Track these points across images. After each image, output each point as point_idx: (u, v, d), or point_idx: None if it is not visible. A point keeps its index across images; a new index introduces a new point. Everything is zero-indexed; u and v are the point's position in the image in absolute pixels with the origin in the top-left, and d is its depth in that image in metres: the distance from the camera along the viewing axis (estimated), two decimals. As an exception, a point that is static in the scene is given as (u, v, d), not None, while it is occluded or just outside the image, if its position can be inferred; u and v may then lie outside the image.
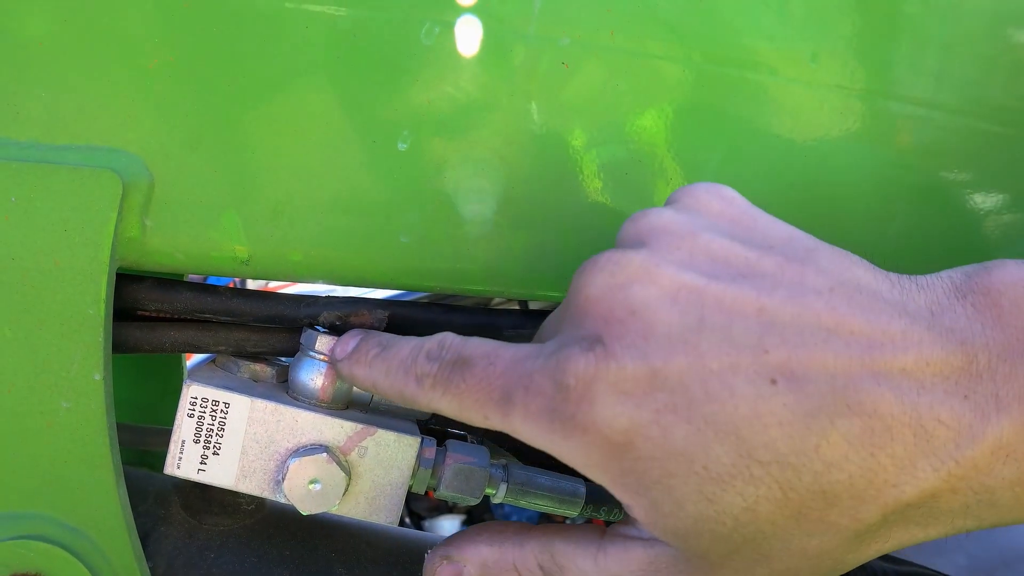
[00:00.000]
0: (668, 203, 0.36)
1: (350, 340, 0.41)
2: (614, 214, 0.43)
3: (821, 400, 0.29)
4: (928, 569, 0.58)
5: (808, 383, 0.29)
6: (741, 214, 0.35)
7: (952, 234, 0.47)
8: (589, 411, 0.31)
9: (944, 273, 0.32)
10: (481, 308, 0.48)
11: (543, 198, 0.43)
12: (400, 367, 0.37)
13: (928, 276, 0.32)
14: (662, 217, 0.34)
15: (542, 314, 0.48)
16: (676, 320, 0.31)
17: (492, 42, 0.40)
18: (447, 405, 0.35)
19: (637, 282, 0.31)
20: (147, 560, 0.44)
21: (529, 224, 0.43)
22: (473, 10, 0.40)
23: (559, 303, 0.48)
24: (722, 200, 0.35)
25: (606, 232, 0.43)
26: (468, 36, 0.40)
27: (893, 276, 0.32)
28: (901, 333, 0.30)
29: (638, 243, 0.34)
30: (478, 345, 0.35)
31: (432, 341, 0.36)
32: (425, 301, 0.48)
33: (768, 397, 0.29)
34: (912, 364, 0.29)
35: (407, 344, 0.37)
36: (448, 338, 0.36)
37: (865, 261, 0.33)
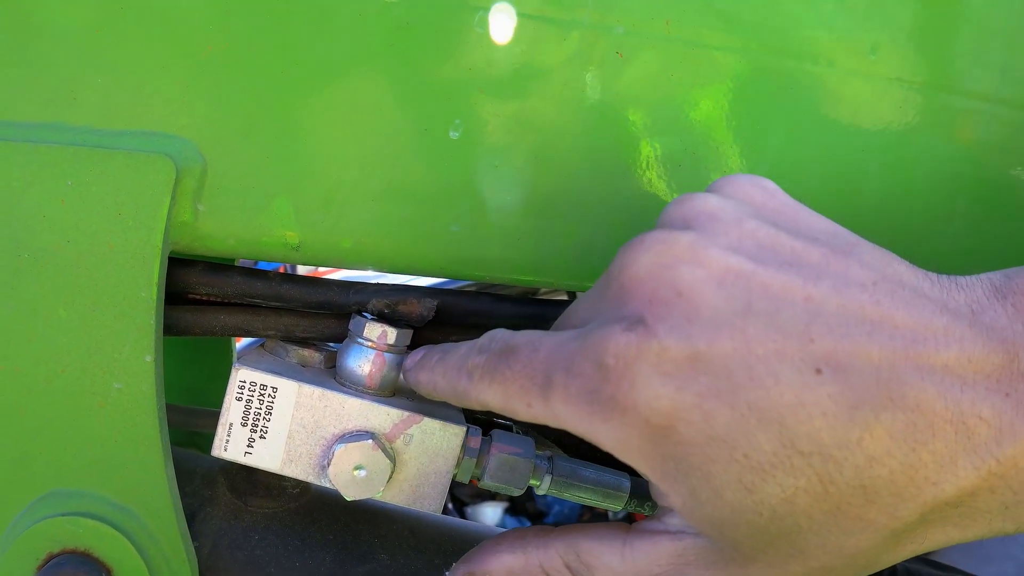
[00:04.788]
0: (710, 191, 0.36)
1: (419, 351, 0.41)
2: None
3: (865, 392, 0.29)
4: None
5: (853, 374, 0.29)
6: (783, 206, 0.35)
7: (1016, 232, 0.46)
8: (629, 392, 0.30)
9: (984, 275, 0.32)
10: (529, 298, 0.47)
11: (595, 189, 0.42)
12: (455, 365, 0.37)
13: (968, 277, 0.32)
14: (708, 202, 0.34)
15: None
16: (723, 303, 0.30)
17: (546, 30, 0.40)
18: (493, 395, 0.35)
19: (684, 263, 0.31)
20: (193, 540, 0.45)
21: (580, 215, 0.43)
22: (527, -2, 0.39)
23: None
24: (764, 191, 0.35)
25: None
26: (522, 24, 0.40)
27: (932, 275, 0.32)
28: (943, 329, 0.30)
29: (684, 226, 0.33)
30: (524, 334, 0.35)
31: (484, 337, 0.37)
32: (472, 290, 0.48)
33: (813, 386, 0.29)
34: (954, 360, 0.29)
35: (464, 345, 0.38)
36: (498, 332, 0.36)
37: (904, 260, 0.32)
